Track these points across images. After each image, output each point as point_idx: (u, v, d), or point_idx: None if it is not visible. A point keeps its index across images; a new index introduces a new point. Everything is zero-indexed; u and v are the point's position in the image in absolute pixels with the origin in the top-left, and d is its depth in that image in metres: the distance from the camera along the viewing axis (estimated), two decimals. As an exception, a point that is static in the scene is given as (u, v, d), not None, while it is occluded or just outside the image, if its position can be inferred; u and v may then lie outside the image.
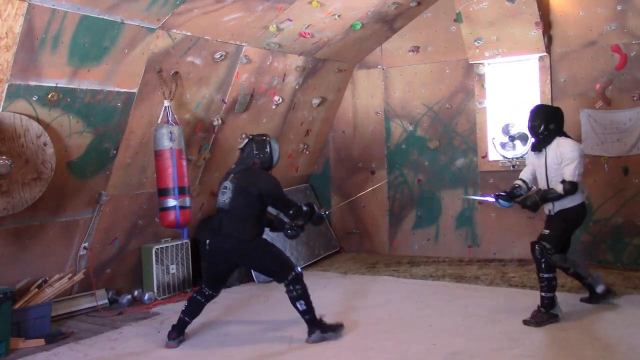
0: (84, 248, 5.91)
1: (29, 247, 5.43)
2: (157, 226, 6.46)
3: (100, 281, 6.20)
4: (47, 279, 5.56)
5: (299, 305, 4.85)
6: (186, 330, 5.13)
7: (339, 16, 6.75)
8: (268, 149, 5.06)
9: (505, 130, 7.37)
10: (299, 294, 4.84)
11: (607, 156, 6.97)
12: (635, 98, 6.80)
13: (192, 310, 5.10)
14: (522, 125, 7.32)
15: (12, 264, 5.33)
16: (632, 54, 6.83)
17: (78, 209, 5.72)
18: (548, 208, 5.38)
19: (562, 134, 5.38)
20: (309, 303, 4.87)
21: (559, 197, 5.16)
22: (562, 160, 5.19)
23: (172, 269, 6.61)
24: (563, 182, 5.14)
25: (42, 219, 5.43)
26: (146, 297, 6.31)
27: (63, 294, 5.74)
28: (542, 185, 5.42)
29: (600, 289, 5.47)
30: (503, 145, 7.45)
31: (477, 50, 7.42)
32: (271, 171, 5.16)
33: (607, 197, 7.00)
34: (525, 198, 5.35)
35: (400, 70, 8.26)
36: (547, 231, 5.21)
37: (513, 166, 7.39)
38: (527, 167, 5.67)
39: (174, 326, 5.05)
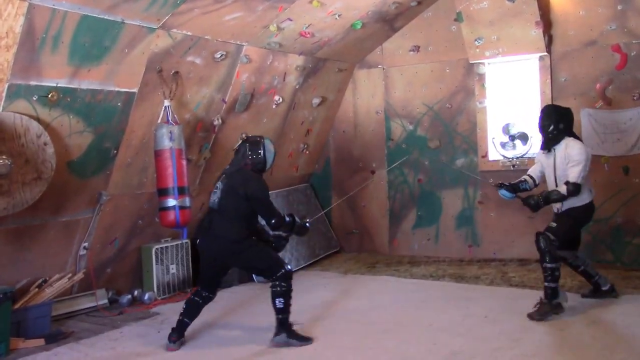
0: (84, 248, 5.91)
1: (29, 246, 5.43)
2: (157, 226, 6.46)
3: (101, 281, 6.20)
4: (47, 278, 5.56)
5: (277, 302, 4.83)
6: (185, 331, 5.12)
7: (339, 16, 6.75)
8: (261, 151, 5.02)
9: (506, 129, 7.37)
10: (282, 292, 4.82)
11: (607, 156, 6.97)
12: (635, 98, 6.79)
13: (191, 312, 5.08)
14: (522, 124, 7.34)
15: (12, 263, 5.33)
16: (632, 54, 6.82)
17: (78, 208, 5.71)
18: (556, 207, 5.41)
19: (572, 134, 5.42)
20: (287, 304, 4.85)
21: (562, 198, 5.21)
22: (569, 161, 5.24)
23: (172, 268, 6.61)
24: (567, 183, 5.17)
25: (43, 218, 5.43)
26: (146, 297, 6.31)
27: (63, 294, 5.74)
28: (551, 184, 5.45)
29: (606, 287, 5.56)
30: (503, 145, 7.44)
31: (478, 50, 7.41)
32: (267, 172, 5.13)
33: (607, 197, 6.99)
34: (528, 196, 5.38)
35: (400, 69, 8.25)
36: (555, 224, 5.26)
37: (513, 166, 7.39)
38: (535, 165, 5.72)
39: (173, 328, 5.03)
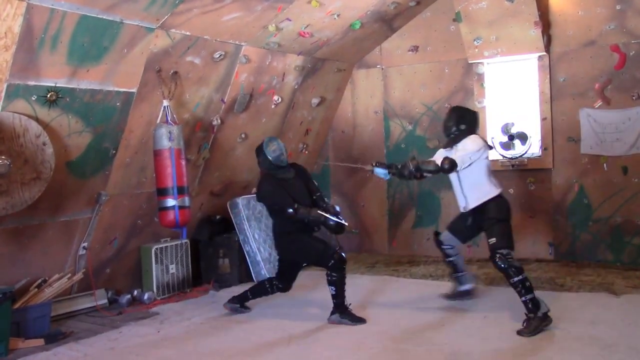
0: (84, 248, 5.91)
1: (29, 246, 5.43)
2: (157, 226, 6.45)
3: (100, 281, 6.19)
4: (47, 278, 5.55)
5: (330, 289, 5.26)
6: (185, 331, 5.14)
7: (338, 16, 6.75)
8: (262, 154, 5.46)
9: (505, 129, 7.36)
10: (333, 281, 5.22)
11: (606, 155, 6.97)
12: (634, 97, 6.80)
13: (256, 291, 5.73)
14: (521, 124, 7.34)
15: (12, 263, 5.32)
16: (631, 54, 6.83)
17: (77, 208, 5.71)
18: (462, 205, 5.38)
19: (474, 134, 5.40)
20: (340, 290, 5.25)
21: (435, 170, 5.15)
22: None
23: (172, 268, 6.60)
24: (446, 158, 5.12)
25: (42, 218, 5.43)
26: (146, 297, 6.30)
27: (62, 294, 5.73)
28: (454, 180, 5.38)
29: (466, 287, 5.67)
30: (502, 145, 7.44)
31: (477, 50, 7.42)
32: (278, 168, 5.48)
33: (606, 197, 7.00)
34: (402, 167, 5.21)
35: (399, 69, 8.26)
36: (494, 239, 5.04)
37: (512, 165, 7.39)
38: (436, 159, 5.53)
39: (234, 296, 5.76)
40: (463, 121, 5.36)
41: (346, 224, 5.33)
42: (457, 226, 5.61)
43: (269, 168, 5.46)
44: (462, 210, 5.43)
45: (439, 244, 5.67)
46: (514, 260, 4.94)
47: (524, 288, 4.85)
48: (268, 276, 6.28)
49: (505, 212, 5.24)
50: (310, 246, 5.34)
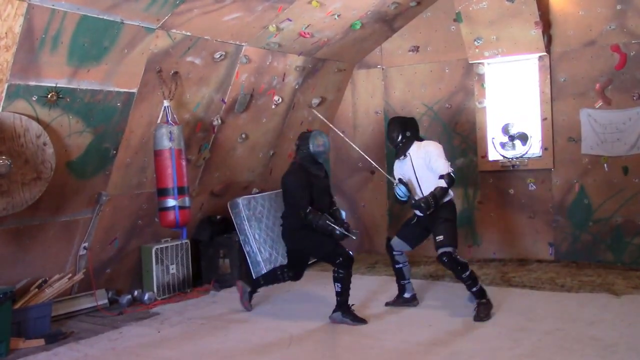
0: (84, 248, 5.91)
1: (29, 247, 5.43)
2: (157, 226, 6.45)
3: (100, 281, 6.20)
4: (47, 279, 5.56)
5: (335, 286, 5.29)
6: (185, 331, 5.15)
7: (338, 16, 6.75)
8: (306, 144, 5.50)
9: (505, 130, 7.37)
10: (339, 277, 5.26)
11: (606, 156, 6.97)
12: (635, 98, 6.80)
13: (268, 277, 5.86)
14: (521, 125, 7.34)
15: (12, 264, 5.33)
16: (631, 54, 6.83)
17: (78, 209, 5.71)
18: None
19: (420, 139, 5.62)
20: (344, 288, 5.27)
21: (445, 191, 5.35)
22: (429, 158, 5.39)
23: (172, 269, 6.61)
24: (442, 176, 5.33)
25: (42, 219, 5.43)
26: (146, 297, 6.31)
27: (63, 294, 5.74)
28: (414, 187, 5.52)
29: (408, 295, 5.76)
30: (503, 145, 7.45)
31: (477, 50, 7.42)
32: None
33: (607, 197, 7.00)
34: (419, 200, 5.38)
35: (400, 70, 8.26)
36: (441, 237, 5.33)
37: (513, 166, 7.39)
38: (396, 176, 5.67)
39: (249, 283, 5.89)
40: (406, 129, 5.57)
41: (354, 237, 5.42)
42: (405, 232, 5.75)
43: (306, 159, 5.48)
44: (419, 213, 5.50)
45: (391, 249, 5.75)
46: (457, 256, 5.30)
47: (472, 280, 5.28)
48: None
49: (454, 212, 5.54)
50: (321, 242, 5.39)
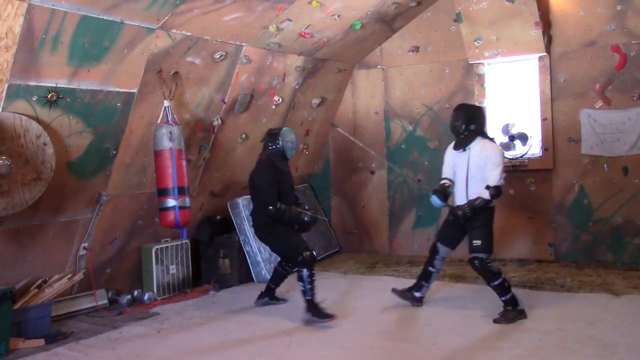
0: (84, 248, 5.91)
1: (29, 247, 5.43)
2: (157, 226, 6.46)
3: (100, 281, 6.19)
4: (47, 279, 5.55)
5: (299, 285, 5.33)
6: (185, 331, 5.14)
7: (338, 16, 6.75)
8: (277, 140, 5.65)
9: (505, 130, 7.37)
10: (300, 276, 5.30)
11: (606, 156, 6.97)
12: (635, 98, 6.80)
13: (276, 279, 5.97)
14: (522, 125, 7.34)
15: (12, 264, 5.33)
16: (631, 54, 6.83)
17: (78, 209, 5.71)
18: (460, 203, 5.41)
19: (484, 135, 5.42)
20: (308, 287, 5.29)
21: (486, 203, 5.21)
22: (486, 163, 5.21)
23: (172, 269, 6.61)
24: (488, 187, 5.16)
25: (42, 219, 5.43)
26: (146, 297, 6.31)
27: (63, 294, 5.74)
28: (460, 182, 5.39)
29: (419, 295, 5.75)
30: (503, 145, 7.44)
31: (477, 50, 7.42)
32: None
33: (607, 197, 7.00)
34: (456, 208, 5.35)
35: (400, 70, 8.26)
36: (478, 242, 5.23)
37: (513, 166, 7.39)
38: (446, 165, 5.60)
39: (262, 292, 5.98)
40: (472, 121, 5.35)
41: (324, 218, 5.56)
42: (447, 235, 5.64)
43: (275, 155, 5.61)
44: (459, 213, 5.38)
45: (435, 253, 5.64)
46: (490, 265, 5.22)
47: (503, 289, 5.18)
48: (269, 276, 6.30)
49: (492, 217, 5.42)
50: (284, 239, 5.51)
